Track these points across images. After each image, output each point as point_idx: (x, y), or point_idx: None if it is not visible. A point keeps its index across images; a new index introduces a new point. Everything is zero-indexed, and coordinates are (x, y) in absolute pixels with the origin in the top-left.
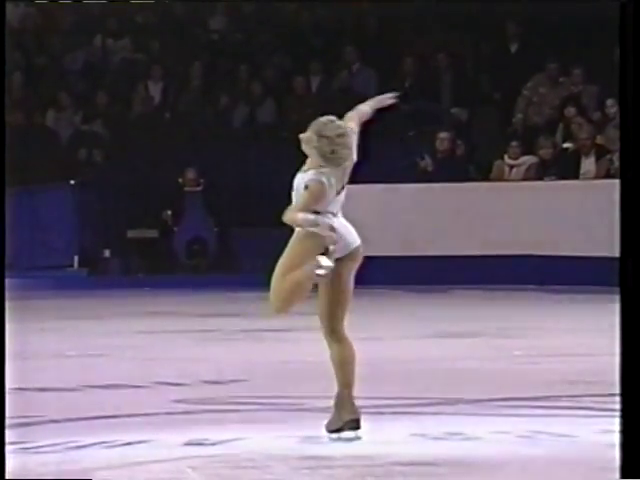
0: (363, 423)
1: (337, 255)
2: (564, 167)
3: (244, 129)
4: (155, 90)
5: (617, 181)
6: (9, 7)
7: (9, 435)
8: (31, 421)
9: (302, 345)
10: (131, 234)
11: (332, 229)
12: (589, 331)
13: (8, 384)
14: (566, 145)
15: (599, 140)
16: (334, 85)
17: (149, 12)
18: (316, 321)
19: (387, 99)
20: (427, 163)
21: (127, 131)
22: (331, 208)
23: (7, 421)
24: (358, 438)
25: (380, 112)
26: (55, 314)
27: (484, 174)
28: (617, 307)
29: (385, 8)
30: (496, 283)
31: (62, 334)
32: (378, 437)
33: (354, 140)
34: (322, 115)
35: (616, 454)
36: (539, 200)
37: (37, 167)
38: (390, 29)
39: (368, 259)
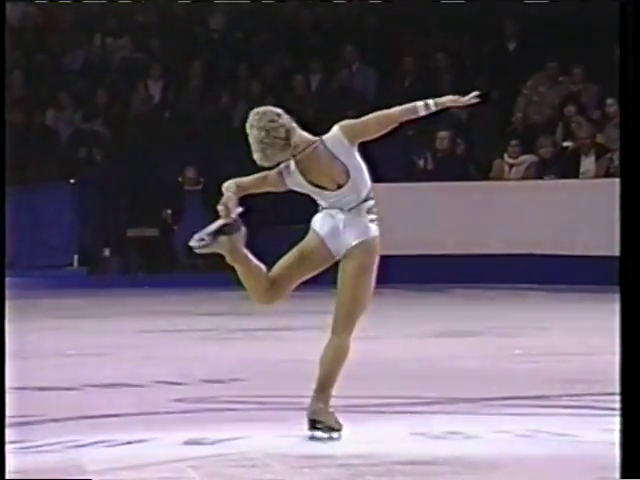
0: (363, 422)
1: (336, 256)
2: (564, 166)
3: (244, 128)
4: (155, 89)
5: (617, 180)
6: (9, 6)
7: (9, 434)
8: (31, 420)
9: (301, 344)
10: (131, 233)
11: (227, 208)
12: (589, 330)
13: (8, 383)
14: (566, 144)
15: (599, 139)
16: (334, 84)
17: (149, 11)
18: (315, 320)
19: (468, 99)
20: (426, 162)
21: (127, 130)
22: (321, 202)
23: (7, 420)
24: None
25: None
26: (55, 313)
27: (484, 173)
28: (617, 306)
29: (385, 7)
30: (496, 282)
31: (62, 333)
32: (378, 436)
33: (256, 138)
34: (322, 114)
35: (616, 453)
36: (539, 199)
37: (37, 166)
38: (390, 28)
39: None
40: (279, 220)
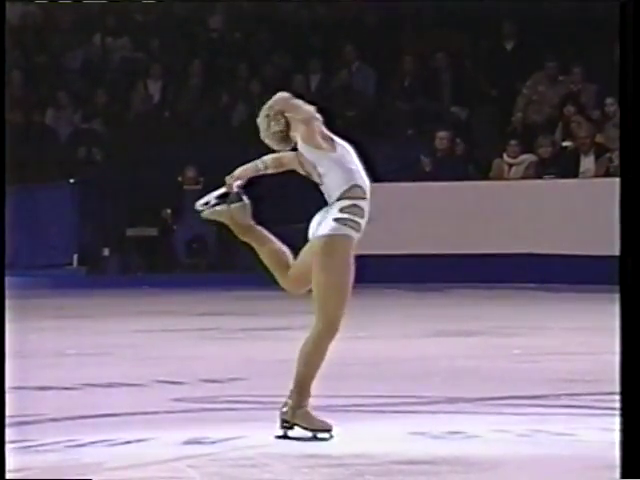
0: (363, 422)
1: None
2: (563, 166)
3: (243, 128)
4: (154, 89)
5: (617, 180)
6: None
7: (9, 434)
8: (31, 420)
9: (301, 344)
10: (130, 232)
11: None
12: (589, 330)
13: (8, 383)
14: (565, 144)
15: (598, 139)
16: (333, 84)
17: (148, 11)
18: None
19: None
20: (426, 162)
21: (126, 130)
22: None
23: (7, 420)
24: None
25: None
26: (54, 313)
27: (483, 173)
28: (617, 306)
29: (385, 7)
30: (495, 282)
31: (61, 333)
32: (377, 435)
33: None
34: (322, 114)
35: (616, 453)
36: (538, 199)
37: (36, 166)
38: (390, 28)
39: (367, 258)
40: (280, 219)
